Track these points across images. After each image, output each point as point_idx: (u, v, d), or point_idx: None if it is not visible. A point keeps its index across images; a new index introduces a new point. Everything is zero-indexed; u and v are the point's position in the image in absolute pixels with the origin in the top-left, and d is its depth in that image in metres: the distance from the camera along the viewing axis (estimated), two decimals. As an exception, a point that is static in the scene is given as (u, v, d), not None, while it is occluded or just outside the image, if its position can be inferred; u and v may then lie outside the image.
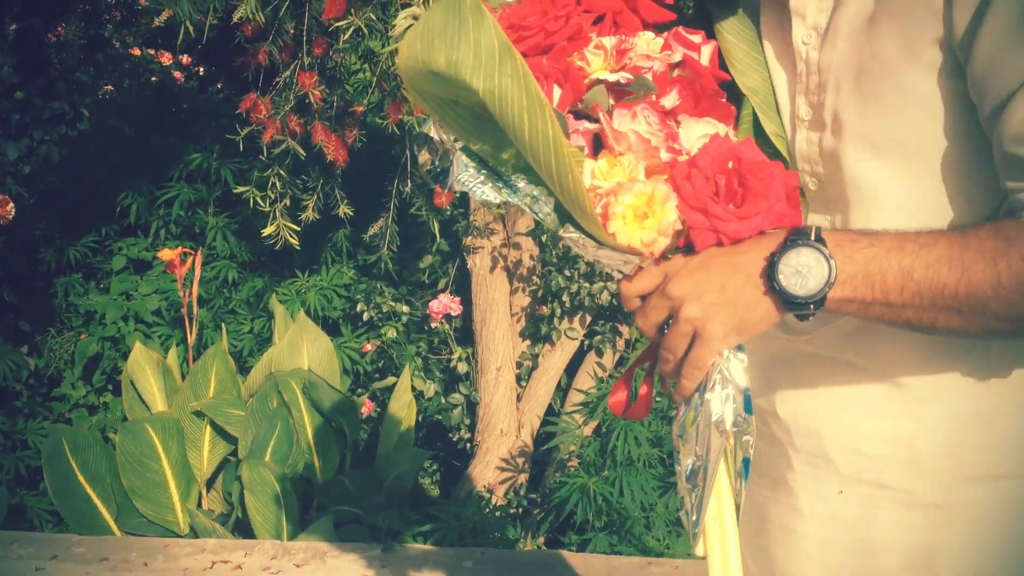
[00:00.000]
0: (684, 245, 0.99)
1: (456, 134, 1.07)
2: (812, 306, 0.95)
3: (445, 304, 3.88)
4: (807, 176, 1.13)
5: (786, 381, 1.17)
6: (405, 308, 4.16)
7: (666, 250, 0.99)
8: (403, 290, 4.34)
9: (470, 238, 3.94)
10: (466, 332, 4.14)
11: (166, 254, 3.69)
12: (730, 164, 0.98)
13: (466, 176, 1.04)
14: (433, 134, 1.10)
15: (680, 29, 1.09)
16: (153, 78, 6.17)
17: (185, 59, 6.10)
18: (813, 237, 0.94)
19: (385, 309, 4.10)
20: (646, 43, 1.05)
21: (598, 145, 1.04)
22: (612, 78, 1.02)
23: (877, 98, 1.05)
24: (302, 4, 3.24)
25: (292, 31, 3.31)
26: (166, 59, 6.40)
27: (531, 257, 4.00)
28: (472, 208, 3.87)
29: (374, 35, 3.11)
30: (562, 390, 4.05)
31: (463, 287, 4.12)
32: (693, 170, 0.97)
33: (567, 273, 3.83)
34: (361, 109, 3.42)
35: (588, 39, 1.04)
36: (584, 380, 3.85)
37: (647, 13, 1.08)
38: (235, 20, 3.08)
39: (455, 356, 4.00)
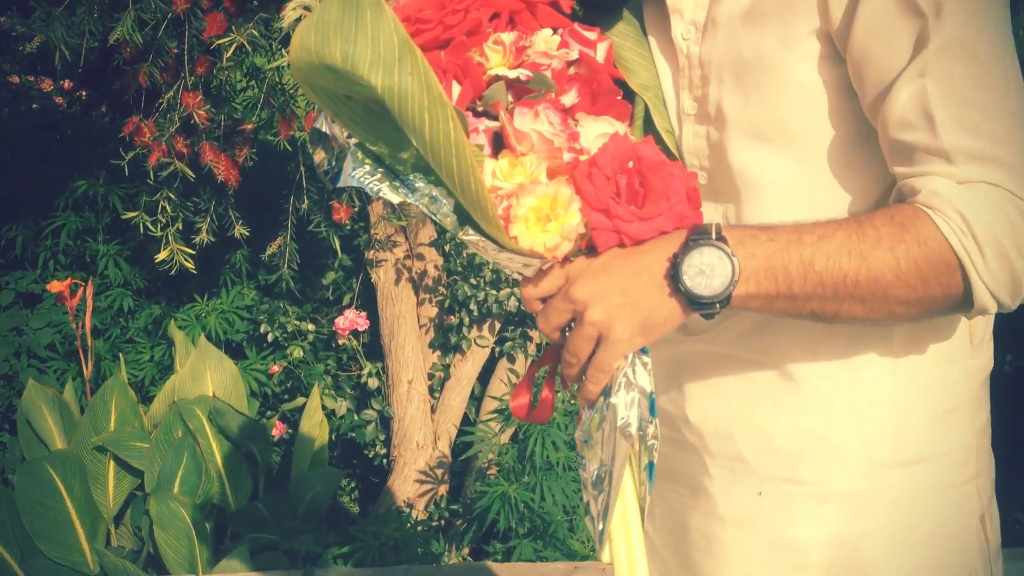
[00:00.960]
0: (586, 247, 0.98)
1: (351, 131, 1.03)
2: (718, 305, 0.94)
3: (351, 320, 3.81)
4: (696, 169, 1.13)
5: (692, 384, 1.16)
6: (311, 326, 4.08)
7: (569, 253, 0.97)
8: (307, 308, 4.25)
9: (372, 251, 3.88)
10: (375, 347, 4.07)
11: (55, 286, 3.54)
12: (630, 164, 0.97)
13: (361, 173, 1.01)
14: (327, 129, 1.06)
15: (576, 26, 1.07)
16: (34, 105, 5.95)
17: (67, 84, 5.89)
18: (714, 236, 0.94)
19: (290, 329, 4.01)
20: (544, 40, 1.04)
21: (498, 144, 1.01)
22: (512, 75, 0.99)
23: (759, 89, 1.05)
24: (181, 23, 3.15)
25: (173, 51, 3.21)
26: (47, 85, 6.18)
27: (436, 267, 3.96)
28: (373, 221, 3.81)
29: (258, 51, 3.03)
30: (476, 399, 4.02)
31: (369, 301, 4.05)
32: (594, 170, 0.95)
33: (473, 281, 3.79)
34: (251, 127, 3.33)
35: (487, 34, 1.02)
36: (498, 387, 3.82)
37: (544, 19, 1.07)
38: (111, 42, 2.98)
39: (365, 372, 3.93)
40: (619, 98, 1.08)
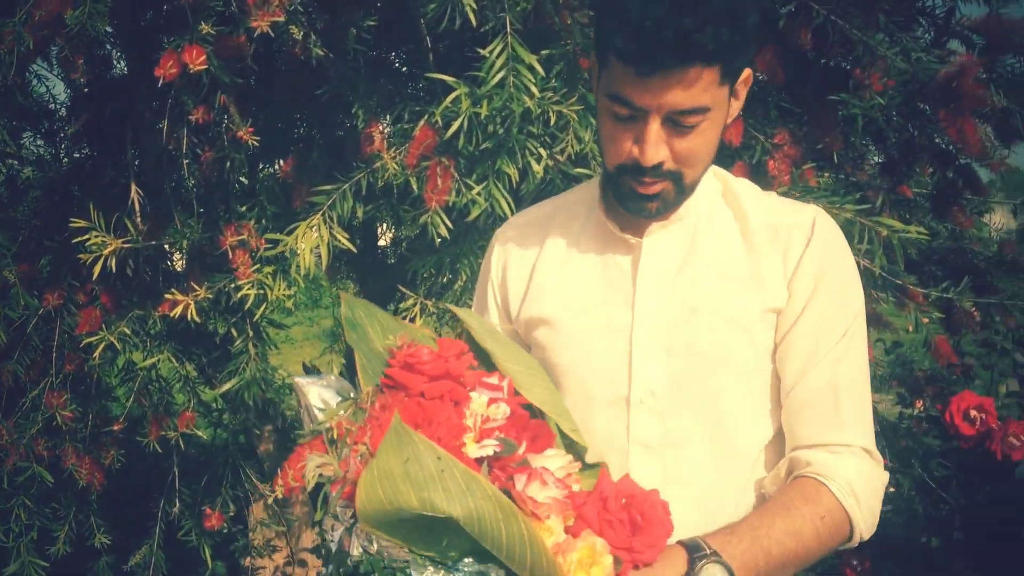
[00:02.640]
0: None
1: (410, 546, 1.16)
2: None
3: (223, 637, 3.46)
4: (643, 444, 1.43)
5: None
6: (177, 644, 3.69)
7: None
8: (175, 622, 3.87)
9: (250, 558, 3.60)
10: (249, 664, 3.69)
11: None
12: (626, 497, 1.26)
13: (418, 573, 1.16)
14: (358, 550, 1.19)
15: (482, 377, 1.30)
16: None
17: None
18: (709, 551, 1.27)
19: (153, 648, 3.62)
20: (480, 405, 1.26)
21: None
22: (488, 452, 1.19)
23: (724, 335, 1.42)
24: (52, 319, 2.99)
25: (41, 347, 3.04)
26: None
27: (318, 574, 3.68)
28: (251, 526, 3.55)
29: (132, 347, 2.87)
30: None
31: (244, 613, 3.71)
32: (609, 517, 1.23)
33: (358, 591, 3.50)
34: (120, 427, 3.11)
35: (464, 428, 1.22)
36: None
37: (471, 381, 1.30)
38: (-28, 341, 2.80)
39: None
40: (534, 421, 1.30)
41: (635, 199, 1.40)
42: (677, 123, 1.31)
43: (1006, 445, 2.69)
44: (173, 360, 2.88)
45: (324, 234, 2.28)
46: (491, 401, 1.27)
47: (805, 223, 1.44)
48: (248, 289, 2.55)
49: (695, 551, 1.27)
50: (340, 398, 1.31)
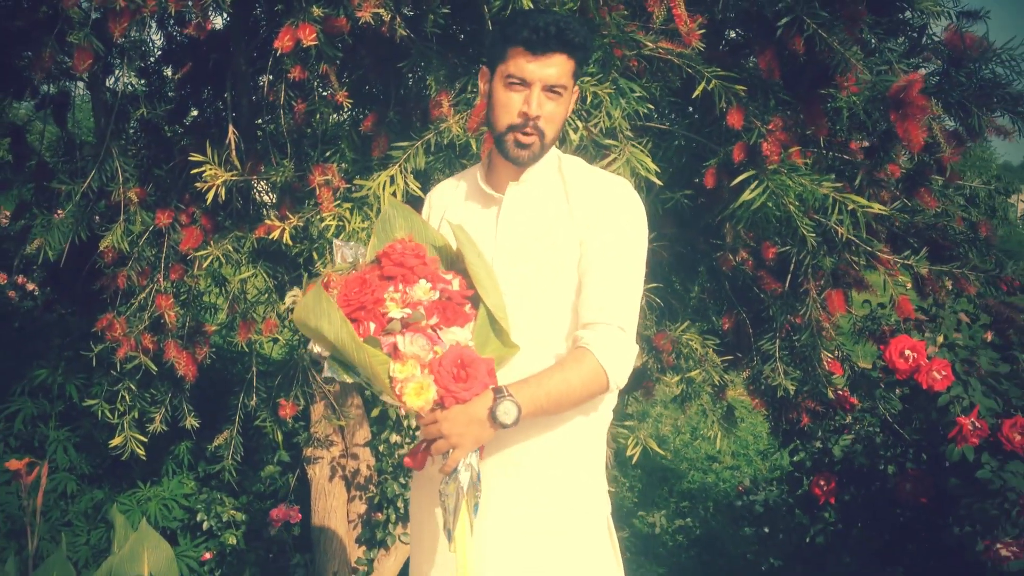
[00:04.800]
0: (441, 403, 1.95)
1: (325, 350, 2.04)
2: (515, 424, 1.97)
3: (285, 512, 4.07)
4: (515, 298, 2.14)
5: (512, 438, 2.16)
6: (244, 516, 4.31)
7: (434, 408, 1.96)
8: (244, 499, 4.49)
9: (311, 449, 4.20)
10: (304, 539, 4.32)
11: (14, 464, 3.78)
12: (459, 360, 1.94)
13: (332, 371, 2.02)
14: (313, 349, 2.07)
15: (439, 272, 2.06)
16: (-12, 295, 6.23)
17: (21, 279, 6.22)
18: (507, 394, 1.96)
19: (225, 518, 4.24)
20: (422, 290, 2.01)
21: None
22: (400, 315, 1.97)
23: (548, 265, 2.14)
24: (161, 234, 3.58)
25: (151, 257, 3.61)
26: (0, 279, 6.51)
27: (368, 467, 4.27)
28: (313, 420, 4.15)
29: (229, 263, 3.46)
30: (395, 594, 4.24)
31: (302, 495, 4.33)
32: (441, 368, 1.93)
33: (402, 480, 4.11)
34: (212, 329, 3.71)
35: (383, 299, 1.98)
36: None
37: (420, 272, 2.02)
38: (101, 249, 3.39)
39: (293, 562, 4.15)
40: (467, 309, 2.03)
41: (517, 147, 2.12)
42: (550, 92, 2.09)
43: (930, 378, 3.31)
44: (265, 276, 3.46)
45: (400, 182, 2.85)
46: (432, 288, 2.00)
47: (601, 187, 2.17)
48: (330, 220, 3.12)
49: (498, 393, 1.95)
50: (354, 260, 2.14)
